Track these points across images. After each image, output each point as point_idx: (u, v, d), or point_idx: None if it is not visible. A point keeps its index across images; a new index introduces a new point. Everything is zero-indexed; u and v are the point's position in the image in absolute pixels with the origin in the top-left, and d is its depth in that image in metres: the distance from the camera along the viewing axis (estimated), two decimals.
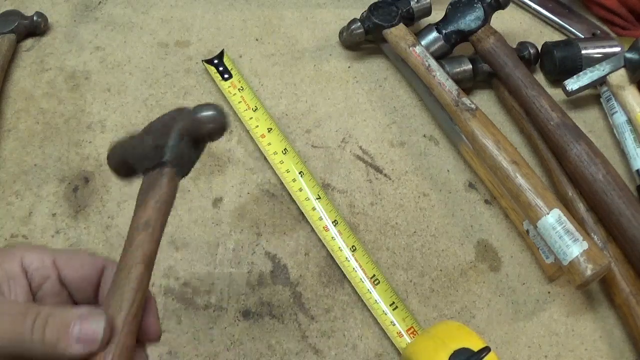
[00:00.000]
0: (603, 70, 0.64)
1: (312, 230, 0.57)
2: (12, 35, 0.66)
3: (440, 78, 0.61)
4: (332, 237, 0.56)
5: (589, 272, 0.50)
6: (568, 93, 0.65)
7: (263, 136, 0.61)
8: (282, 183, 0.60)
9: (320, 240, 0.57)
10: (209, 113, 0.35)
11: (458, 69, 0.64)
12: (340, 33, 0.70)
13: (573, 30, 0.75)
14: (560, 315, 0.55)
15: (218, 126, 0.36)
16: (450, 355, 0.42)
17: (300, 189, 0.58)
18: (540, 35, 0.75)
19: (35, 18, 0.68)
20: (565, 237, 0.51)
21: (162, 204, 0.34)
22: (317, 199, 0.58)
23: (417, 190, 0.61)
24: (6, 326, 0.30)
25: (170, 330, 0.51)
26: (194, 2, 0.74)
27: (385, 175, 0.61)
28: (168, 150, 0.35)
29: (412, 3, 0.66)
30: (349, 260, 0.55)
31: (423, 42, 0.64)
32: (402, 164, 0.63)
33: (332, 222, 0.57)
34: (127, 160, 0.37)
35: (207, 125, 0.35)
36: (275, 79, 0.67)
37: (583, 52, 0.67)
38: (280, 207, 0.58)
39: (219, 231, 0.57)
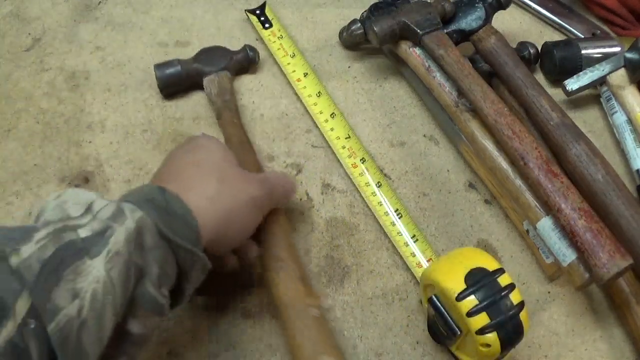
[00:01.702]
0: (603, 70, 0.64)
1: (312, 230, 0.57)
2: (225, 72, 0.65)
3: (440, 79, 0.61)
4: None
5: (588, 274, 0.50)
6: (568, 93, 0.65)
7: (299, 80, 0.66)
8: None
9: (320, 240, 0.57)
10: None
11: None
12: (340, 33, 0.70)
13: (573, 30, 0.75)
14: (560, 315, 0.55)
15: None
16: (467, 274, 0.44)
17: (332, 129, 0.64)
18: (540, 35, 0.75)
19: (248, 52, 0.66)
20: (565, 238, 0.51)
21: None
22: (346, 137, 0.62)
23: (417, 190, 0.61)
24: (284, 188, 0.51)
25: (170, 330, 0.51)
26: (194, 2, 0.74)
27: (385, 175, 0.61)
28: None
29: (411, 3, 0.66)
30: (375, 195, 0.59)
31: None
32: (402, 164, 0.63)
33: (353, 152, 0.57)
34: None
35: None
36: (276, 79, 0.67)
37: (583, 52, 0.67)
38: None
39: None
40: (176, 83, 0.64)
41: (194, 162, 0.46)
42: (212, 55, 0.65)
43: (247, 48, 0.67)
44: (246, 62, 0.67)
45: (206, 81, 0.64)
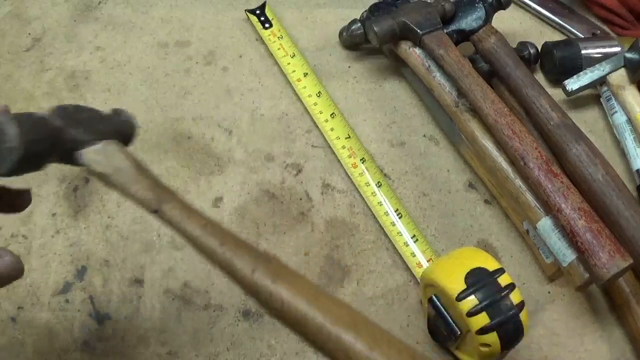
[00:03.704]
0: (603, 70, 0.64)
1: (312, 230, 0.57)
2: None
3: (440, 79, 0.61)
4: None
5: (588, 274, 0.50)
6: (568, 93, 0.65)
7: (299, 80, 0.66)
8: (282, 183, 0.60)
9: (320, 240, 0.57)
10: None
11: None
12: (340, 33, 0.70)
13: (573, 30, 0.75)
14: (560, 315, 0.55)
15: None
16: (467, 274, 0.45)
17: (332, 129, 0.64)
18: (540, 35, 0.75)
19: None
20: (565, 238, 0.51)
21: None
22: (347, 137, 0.63)
23: (417, 190, 0.61)
24: None
25: (170, 330, 0.51)
26: (194, 2, 0.74)
27: (385, 175, 0.61)
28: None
29: (411, 3, 0.66)
30: (375, 195, 0.59)
31: None
32: (402, 164, 0.63)
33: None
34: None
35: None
36: (276, 79, 0.67)
37: (583, 52, 0.67)
38: (280, 207, 0.58)
39: None
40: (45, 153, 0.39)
41: None
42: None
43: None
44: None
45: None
